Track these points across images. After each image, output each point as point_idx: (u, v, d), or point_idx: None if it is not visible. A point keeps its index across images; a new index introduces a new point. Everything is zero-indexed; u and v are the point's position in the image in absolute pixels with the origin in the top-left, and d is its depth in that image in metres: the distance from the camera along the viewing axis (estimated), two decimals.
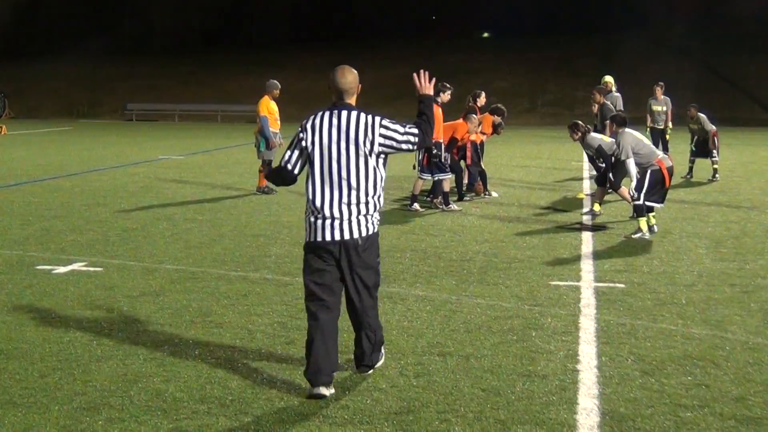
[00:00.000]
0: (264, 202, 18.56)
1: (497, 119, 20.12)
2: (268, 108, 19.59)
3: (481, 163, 19.56)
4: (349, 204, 6.95)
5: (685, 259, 12.71)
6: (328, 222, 6.96)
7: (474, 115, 18.82)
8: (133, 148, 34.43)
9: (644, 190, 14.18)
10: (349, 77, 7.18)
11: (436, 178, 17.46)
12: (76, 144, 36.92)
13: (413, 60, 68.49)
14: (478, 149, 19.32)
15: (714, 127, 23.55)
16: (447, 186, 17.59)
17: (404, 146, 7.06)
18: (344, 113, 7.03)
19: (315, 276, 7.06)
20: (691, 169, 23.49)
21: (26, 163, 27.37)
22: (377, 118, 7.03)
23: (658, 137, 25.43)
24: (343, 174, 6.93)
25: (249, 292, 10.48)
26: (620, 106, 20.25)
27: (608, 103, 19.34)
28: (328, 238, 6.97)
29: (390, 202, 18.59)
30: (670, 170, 14.40)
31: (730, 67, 60.67)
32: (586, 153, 17.67)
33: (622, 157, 14.33)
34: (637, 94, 37.99)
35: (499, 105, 20.67)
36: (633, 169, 14.24)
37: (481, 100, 19.97)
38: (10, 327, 8.98)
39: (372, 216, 7.08)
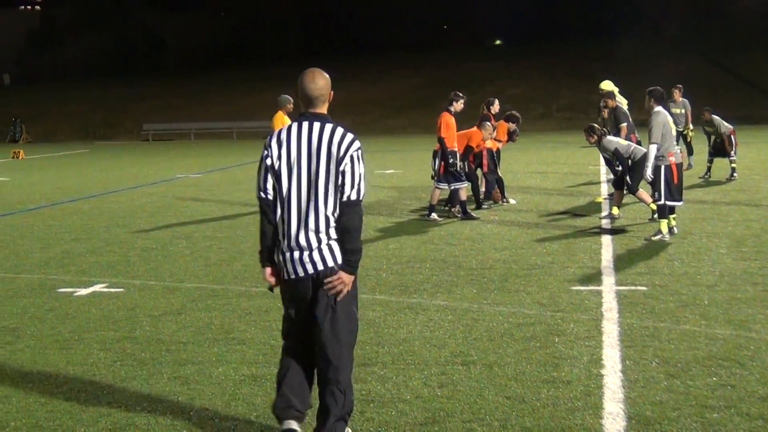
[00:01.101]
0: None
1: (512, 126, 20.11)
2: (283, 123, 19.59)
3: (498, 170, 19.54)
4: (317, 231, 5.99)
5: (706, 259, 12.65)
6: (296, 254, 6.03)
7: (488, 123, 18.81)
8: (150, 168, 34.53)
9: (663, 190, 14.12)
10: (320, 82, 6.13)
11: (453, 188, 17.45)
12: (94, 166, 37.06)
13: (426, 70, 68.80)
14: (495, 157, 19.31)
15: (731, 127, 23.47)
16: (464, 194, 17.58)
17: (347, 189, 5.96)
18: (316, 125, 6.05)
19: (292, 311, 6.22)
20: (709, 168, 23.41)
21: (45, 187, 27.49)
22: (357, 142, 6.06)
23: (678, 139, 25.28)
24: (312, 195, 5.97)
25: (270, 307, 10.47)
26: (625, 108, 20.14)
27: (621, 107, 19.27)
28: (300, 272, 6.04)
29: (408, 213, 18.60)
30: (679, 166, 14.37)
31: (745, 66, 60.48)
32: (603, 156, 17.63)
33: (651, 139, 14.17)
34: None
35: (514, 112, 20.66)
36: (653, 155, 14.14)
37: (495, 108, 19.99)
38: (34, 351, 9.01)
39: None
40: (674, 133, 14.59)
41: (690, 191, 20.37)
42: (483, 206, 18.78)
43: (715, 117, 23.41)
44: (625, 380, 7.52)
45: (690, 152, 25.62)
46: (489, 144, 18.86)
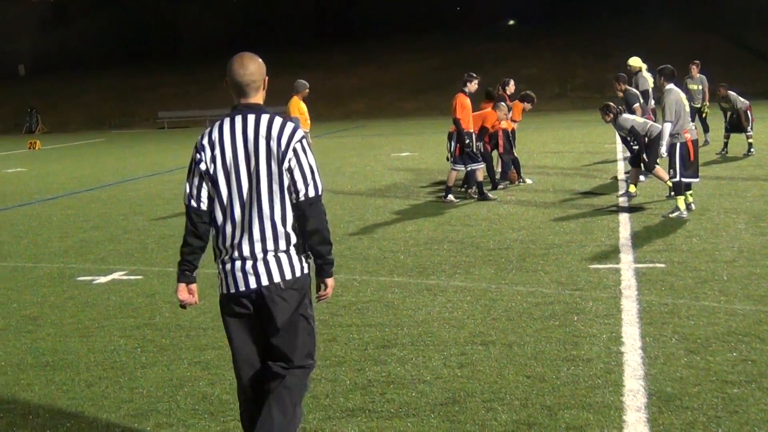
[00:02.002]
0: None
1: (527, 106, 20.07)
2: (299, 108, 19.60)
3: (514, 150, 19.50)
4: (263, 239, 5.26)
5: (725, 235, 12.61)
6: (238, 264, 5.30)
7: (503, 103, 18.78)
8: (166, 156, 34.61)
9: (678, 167, 14.10)
10: (251, 67, 5.35)
11: (469, 169, 17.43)
12: (110, 155, 37.16)
13: (440, 52, 68.61)
14: (510, 137, 19.27)
15: (747, 102, 23.36)
16: (480, 175, 17.56)
17: (300, 186, 5.28)
18: (250, 118, 5.30)
19: (236, 335, 5.48)
20: (726, 144, 23.31)
21: (62, 177, 27.58)
22: (299, 131, 5.35)
23: (694, 116, 25.22)
24: (254, 199, 5.24)
25: None
26: (646, 86, 20.03)
27: (631, 89, 19.15)
28: (242, 287, 5.31)
29: (425, 195, 18.60)
30: (695, 143, 14.34)
31: (761, 41, 60.10)
32: (619, 134, 17.57)
33: (666, 117, 14.17)
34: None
35: (529, 92, 20.61)
36: (668, 132, 14.12)
37: (510, 88, 19.95)
38: (55, 339, 9.06)
39: (295, 252, 5.36)
40: (688, 109, 14.53)
41: (707, 167, 20.30)
42: (499, 187, 18.76)
43: (731, 92, 23.29)
44: (645, 357, 7.51)
45: (706, 129, 25.52)
46: (504, 124, 18.83)
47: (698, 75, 25.17)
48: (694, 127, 14.53)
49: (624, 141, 17.65)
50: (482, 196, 17.31)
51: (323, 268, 5.47)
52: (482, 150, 17.91)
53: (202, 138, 5.38)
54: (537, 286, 10.23)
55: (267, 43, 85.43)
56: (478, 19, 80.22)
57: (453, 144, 17.38)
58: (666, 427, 6.02)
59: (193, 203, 5.39)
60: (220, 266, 5.42)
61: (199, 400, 7.02)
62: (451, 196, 17.33)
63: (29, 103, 64.20)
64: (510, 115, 19.21)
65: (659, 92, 14.83)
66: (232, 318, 5.45)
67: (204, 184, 5.35)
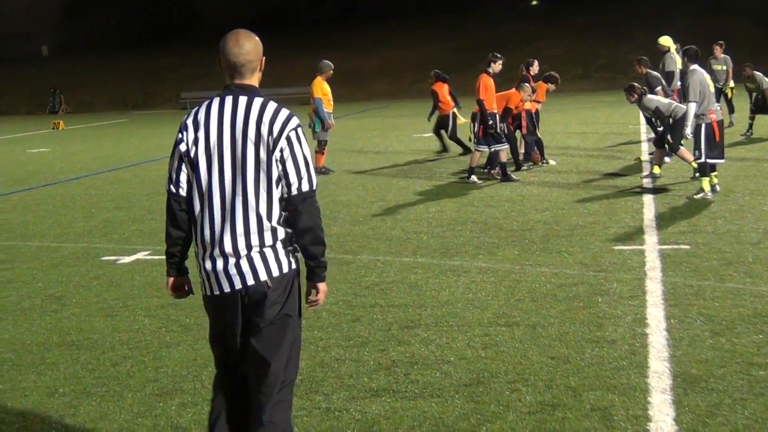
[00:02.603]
0: (321, 182, 18.57)
1: (551, 87, 19.99)
2: (322, 89, 19.59)
3: (537, 131, 19.43)
4: (247, 233, 4.78)
5: (750, 216, 12.54)
6: (220, 263, 4.83)
7: (527, 84, 18.71)
8: None
9: (703, 148, 14.03)
10: (247, 45, 4.93)
11: (493, 150, 17.38)
12: (133, 135, 37.25)
13: (462, 33, 68.40)
14: (534, 118, 19.20)
15: None
16: (504, 156, 17.51)
17: (293, 179, 4.78)
18: (242, 100, 4.88)
19: (218, 340, 5.08)
20: (751, 125, 23.16)
21: (85, 157, 27.68)
22: (294, 119, 4.88)
23: (719, 96, 25.06)
24: (239, 189, 4.77)
25: None
26: (674, 67, 19.91)
27: (653, 72, 19.01)
28: (226, 287, 4.84)
29: (448, 176, 18.57)
30: (720, 124, 14.27)
31: None
32: (644, 115, 17.49)
33: (690, 97, 14.12)
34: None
35: (553, 72, 20.51)
36: (692, 113, 14.07)
37: (534, 69, 19.87)
38: (80, 318, 9.10)
39: (281, 247, 4.87)
40: (713, 90, 14.45)
41: (732, 149, 20.17)
42: (523, 168, 18.70)
43: (757, 73, 23.12)
44: (670, 339, 7.49)
45: (731, 110, 25.35)
46: (528, 105, 18.76)
47: (722, 55, 25.00)
48: (719, 108, 14.45)
49: (648, 122, 17.56)
50: (505, 177, 17.26)
51: (315, 271, 4.97)
52: (506, 131, 17.86)
53: (187, 117, 4.98)
54: (561, 267, 10.20)
55: (290, 23, 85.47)
56: None
57: (476, 125, 17.34)
58: (691, 409, 6.00)
59: (173, 188, 4.96)
60: (201, 264, 4.93)
61: None
62: (474, 177, 17.29)
63: (52, 83, 64.43)
64: (534, 95, 19.13)
65: (684, 73, 14.77)
66: (216, 319, 5.04)
67: (183, 168, 4.92)
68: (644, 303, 8.60)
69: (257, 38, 5.02)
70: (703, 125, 14.06)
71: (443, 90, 22.27)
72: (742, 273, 9.51)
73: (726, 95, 25.10)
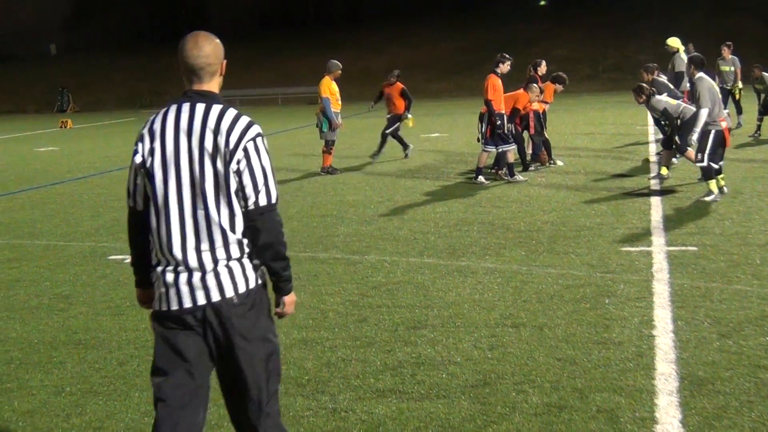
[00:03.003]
0: (329, 182, 18.61)
1: (559, 87, 19.96)
2: (330, 89, 19.59)
3: (545, 132, 19.41)
4: (212, 248, 4.49)
5: (757, 218, 12.52)
6: (183, 276, 4.51)
7: (535, 85, 18.69)
8: None
9: (707, 152, 14.00)
10: (206, 48, 4.61)
11: (500, 150, 17.37)
12: None
13: (471, 32, 68.37)
14: (541, 118, 19.18)
15: None
16: (511, 157, 17.50)
17: (250, 193, 4.47)
18: (199, 108, 4.55)
19: (168, 368, 4.59)
20: (759, 127, 23.12)
21: (93, 156, 27.72)
22: (254, 127, 4.54)
23: (726, 97, 25.05)
24: (199, 202, 4.49)
25: (319, 272, 10.52)
26: (682, 67, 19.87)
27: (660, 79, 18.99)
28: (187, 303, 4.51)
29: (455, 176, 18.56)
30: (730, 130, 14.29)
31: None
32: (652, 116, 17.47)
33: (701, 104, 14.09)
34: (702, 54, 37.35)
35: (560, 73, 20.49)
36: (703, 120, 14.03)
37: (542, 69, 19.84)
38: (87, 317, 9.12)
39: (249, 261, 4.59)
40: (720, 97, 14.44)
41: (740, 150, 20.17)
42: (530, 168, 18.69)
43: (766, 74, 23.08)
44: (677, 341, 7.48)
45: (739, 111, 25.32)
46: (536, 106, 18.74)
47: (730, 56, 24.97)
48: (728, 114, 14.43)
49: (657, 123, 17.53)
50: (513, 178, 17.25)
51: (279, 285, 4.73)
52: (513, 131, 17.85)
53: (143, 127, 4.70)
54: (568, 268, 10.19)
55: (298, 22, 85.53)
56: None
57: (484, 125, 17.33)
58: (698, 411, 6.00)
59: (130, 201, 4.76)
60: (159, 277, 4.59)
61: None
62: (481, 178, 17.28)
63: (61, 82, 64.55)
64: (541, 96, 19.11)
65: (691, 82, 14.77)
66: (168, 340, 4.60)
67: (140, 181, 4.67)
68: (651, 305, 8.59)
69: (218, 41, 4.72)
70: (713, 131, 14.03)
71: (398, 91, 22.06)
72: (749, 275, 9.50)
73: (734, 96, 25.06)
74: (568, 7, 73.91)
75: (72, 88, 63.88)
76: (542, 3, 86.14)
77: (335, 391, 6.67)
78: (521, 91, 18.42)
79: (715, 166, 14.16)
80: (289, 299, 4.80)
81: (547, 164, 19.25)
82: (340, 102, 19.92)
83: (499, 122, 17.02)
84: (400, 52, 66.87)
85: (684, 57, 20.02)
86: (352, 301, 9.18)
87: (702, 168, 14.25)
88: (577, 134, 26.34)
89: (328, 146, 19.77)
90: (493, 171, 17.98)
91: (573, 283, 9.52)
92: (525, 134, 19.12)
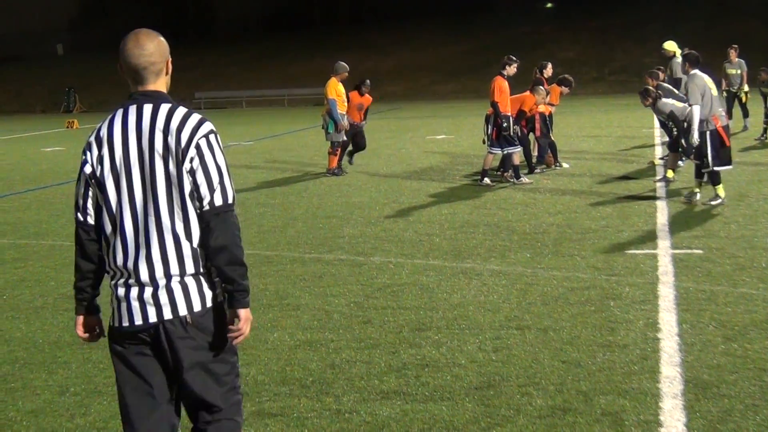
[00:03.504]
0: (334, 183, 18.61)
1: (565, 90, 19.95)
2: (336, 90, 19.59)
3: (551, 134, 19.40)
4: (164, 260, 4.23)
5: (763, 222, 12.50)
6: (134, 292, 4.26)
7: (541, 87, 18.68)
8: None
9: (711, 157, 13.87)
10: (149, 46, 4.33)
11: (506, 152, 17.36)
12: None
13: (477, 34, 68.39)
14: (547, 121, 19.17)
15: None
16: (517, 159, 17.50)
17: (205, 192, 4.22)
18: (146, 109, 4.31)
19: (129, 391, 4.39)
20: (765, 130, 23.06)
21: None
22: (206, 124, 4.34)
23: (733, 100, 25.04)
24: (150, 209, 4.23)
25: (324, 273, 10.52)
26: (680, 73, 19.85)
27: (665, 84, 18.98)
28: (138, 320, 4.27)
29: (461, 178, 18.56)
30: (726, 129, 14.15)
31: None
32: (658, 119, 17.45)
33: (690, 101, 14.03)
34: (707, 58, 37.31)
35: (567, 75, 20.48)
36: (697, 117, 13.91)
37: (548, 72, 19.83)
38: None
39: (205, 277, 4.32)
40: (715, 94, 14.31)
41: (746, 153, 20.15)
42: (536, 171, 18.68)
43: None
44: (682, 344, 7.46)
45: (745, 114, 25.29)
46: (542, 108, 18.73)
47: (737, 59, 24.94)
48: (723, 113, 14.32)
49: (663, 125, 17.50)
50: (518, 180, 17.25)
51: (234, 296, 4.31)
52: (519, 134, 17.84)
53: (90, 134, 4.44)
54: (573, 270, 10.18)
55: (304, 23, 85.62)
56: (515, 1, 79.84)
57: (490, 127, 17.33)
58: (703, 415, 5.98)
59: (79, 216, 4.43)
60: (113, 291, 4.36)
61: None
62: (487, 180, 17.28)
63: (67, 82, 64.63)
64: (547, 98, 19.11)
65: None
66: (124, 359, 4.39)
67: (90, 191, 4.38)
68: (656, 308, 8.58)
69: (161, 38, 4.40)
70: (708, 133, 13.90)
71: (368, 103, 21.55)
72: (755, 278, 9.48)
73: (740, 99, 25.04)
74: (575, 9, 73.90)
75: (78, 88, 63.97)
76: (549, 5, 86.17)
77: (339, 393, 6.67)
78: (527, 93, 18.41)
79: (724, 168, 14.04)
80: (245, 315, 4.33)
81: (553, 167, 19.24)
82: (346, 103, 19.91)
83: (505, 124, 17.02)
84: (407, 54, 66.92)
85: (679, 60, 20.02)
86: (357, 302, 9.18)
87: (709, 173, 14.10)
88: (583, 137, 26.33)
89: (334, 148, 19.76)
90: (499, 173, 17.97)
91: (578, 285, 9.51)
92: (531, 136, 19.11)
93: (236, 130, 37.11)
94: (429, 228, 13.13)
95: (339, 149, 19.90)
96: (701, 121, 13.90)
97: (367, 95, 20.56)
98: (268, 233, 13.30)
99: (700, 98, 13.88)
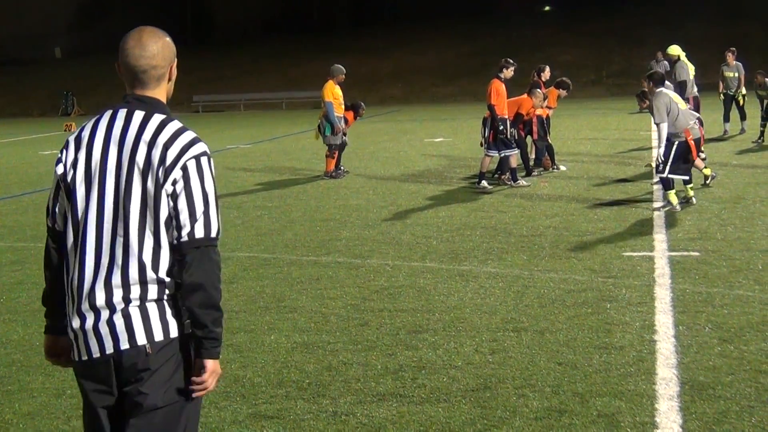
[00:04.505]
0: (332, 186, 18.62)
1: (563, 93, 19.97)
2: (333, 93, 19.61)
3: (548, 137, 19.42)
4: (125, 284, 3.72)
5: (760, 224, 12.51)
6: (90, 321, 3.75)
7: (538, 90, 18.70)
8: None
9: (669, 163, 13.84)
10: (151, 47, 3.92)
11: (503, 155, 17.38)
12: None
13: (475, 38, 68.43)
14: (545, 123, 19.19)
15: None
16: (514, 162, 17.51)
17: (184, 221, 3.73)
18: (137, 117, 3.86)
19: (93, 424, 3.88)
20: (762, 133, 23.05)
21: None
22: (199, 145, 3.86)
23: (730, 103, 25.07)
24: (119, 227, 3.74)
25: (321, 276, 10.53)
26: (686, 75, 19.90)
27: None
28: (95, 352, 3.75)
29: (458, 181, 18.57)
30: (697, 142, 14.08)
31: None
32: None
33: (656, 120, 14.06)
34: (706, 60, 37.43)
35: (564, 78, 20.50)
36: (665, 134, 13.90)
37: (546, 75, 19.85)
38: None
39: (170, 304, 3.80)
40: (684, 107, 14.26)
41: (743, 156, 20.19)
42: (533, 173, 18.69)
43: None
44: (678, 346, 7.48)
45: (742, 117, 25.31)
46: (539, 111, 18.75)
47: (734, 62, 24.96)
48: (696, 125, 14.24)
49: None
50: (515, 183, 17.26)
51: (203, 343, 3.79)
52: (516, 136, 17.86)
53: (71, 133, 3.99)
54: (570, 273, 10.19)
55: (303, 26, 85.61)
56: (514, 4, 79.91)
57: (487, 130, 17.35)
58: (698, 416, 5.99)
59: (49, 222, 3.99)
60: (69, 320, 3.84)
61: (231, 382, 7.04)
62: (484, 182, 17.28)
63: (65, 85, 64.61)
64: (545, 101, 19.13)
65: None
66: (88, 399, 3.87)
67: (59, 196, 3.93)
68: (653, 310, 8.59)
69: (168, 38, 4.02)
70: (677, 142, 13.86)
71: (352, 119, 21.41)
72: (751, 280, 9.49)
73: (738, 102, 25.06)
74: (573, 13, 73.93)
75: (77, 91, 63.94)
76: (547, 8, 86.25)
77: (336, 395, 6.68)
78: (525, 96, 18.44)
79: (677, 177, 13.98)
80: (213, 367, 3.84)
81: (551, 169, 19.25)
82: (343, 106, 19.93)
83: (502, 127, 17.03)
84: (405, 57, 66.92)
85: (686, 64, 20.04)
86: (354, 304, 9.19)
87: (661, 179, 14.10)
88: (581, 139, 26.34)
89: (331, 150, 19.77)
90: (496, 176, 17.99)
91: (575, 287, 9.52)
92: (528, 139, 19.13)
93: (234, 133, 37.15)
94: (426, 230, 13.14)
95: (336, 152, 19.91)
96: (673, 134, 13.88)
97: (351, 113, 20.69)
98: (265, 236, 13.30)
99: (666, 115, 13.86)
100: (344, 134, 19.96)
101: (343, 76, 19.89)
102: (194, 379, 3.83)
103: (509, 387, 6.67)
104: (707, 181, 15.58)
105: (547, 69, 20.11)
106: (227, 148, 29.64)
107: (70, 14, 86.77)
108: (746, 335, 7.66)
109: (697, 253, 10.86)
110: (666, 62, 32.82)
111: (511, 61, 17.68)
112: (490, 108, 17.08)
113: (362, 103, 21.35)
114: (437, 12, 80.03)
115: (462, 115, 41.20)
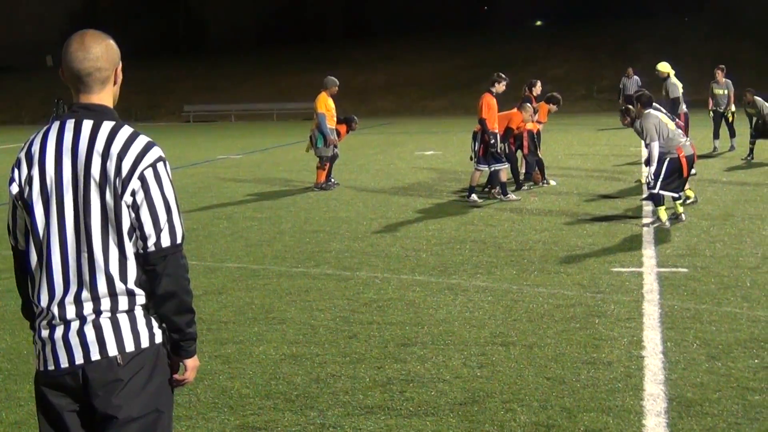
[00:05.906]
0: (322, 198, 18.62)
1: (553, 108, 20.02)
2: (326, 105, 19.64)
3: (539, 151, 19.46)
4: (94, 297, 3.69)
5: (749, 241, 12.55)
6: (59, 331, 3.71)
7: (528, 104, 18.74)
8: (191, 149, 34.70)
9: (660, 179, 13.87)
10: (95, 49, 3.79)
11: (493, 169, 17.40)
12: None
13: (467, 51, 68.56)
14: (535, 138, 19.23)
15: None
16: (504, 176, 17.54)
17: (148, 230, 3.70)
18: (86, 126, 3.75)
19: (55, 425, 3.80)
20: (751, 150, 23.14)
21: None
22: (154, 150, 3.80)
23: (720, 120, 25.16)
24: (82, 240, 3.69)
25: (310, 287, 10.53)
26: (676, 93, 19.97)
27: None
28: (63, 362, 3.70)
29: (448, 194, 18.59)
30: (689, 159, 14.07)
31: None
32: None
33: (647, 141, 14.09)
34: (697, 77, 37.57)
35: (555, 93, 20.55)
36: (656, 153, 13.93)
37: (537, 89, 19.90)
38: None
39: (141, 314, 3.78)
40: (672, 128, 14.28)
41: (732, 173, 20.25)
42: (523, 188, 18.73)
43: (758, 98, 23.12)
44: (666, 362, 7.49)
45: (732, 134, 25.39)
46: (529, 125, 18.79)
47: (724, 79, 25.06)
48: (688, 143, 14.27)
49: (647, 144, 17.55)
50: (505, 197, 17.28)
51: (181, 345, 3.91)
52: (506, 151, 17.89)
53: (21, 149, 3.87)
54: (559, 288, 10.21)
55: (295, 38, 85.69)
56: (505, 19, 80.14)
57: (477, 144, 17.37)
58: None
59: (12, 240, 3.95)
60: (36, 331, 3.81)
61: (219, 393, 7.04)
62: (474, 196, 17.30)
63: (57, 93, 64.54)
64: (536, 116, 19.17)
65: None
66: (48, 409, 3.79)
67: (19, 214, 3.86)
68: (641, 325, 8.61)
69: (111, 41, 3.89)
70: (668, 158, 13.87)
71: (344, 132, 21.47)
72: (739, 297, 9.52)
73: (727, 119, 25.16)
74: (565, 27, 74.16)
75: (68, 99, 63.64)
76: (538, 23, 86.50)
77: (324, 407, 6.67)
78: (515, 110, 18.48)
79: (667, 194, 14.00)
80: (192, 363, 3.99)
81: (540, 184, 19.29)
82: (335, 118, 19.96)
83: (492, 141, 17.06)
84: (398, 70, 66.99)
85: (676, 81, 20.12)
86: (343, 317, 9.19)
87: (651, 194, 14.13)
88: (571, 154, 26.39)
89: (323, 162, 19.78)
90: (486, 190, 18.01)
91: (563, 302, 9.54)
92: (519, 153, 19.17)
93: (225, 144, 37.13)
94: (416, 243, 13.15)
95: (327, 164, 19.92)
96: (665, 153, 13.90)
97: (344, 126, 20.78)
98: (255, 247, 13.30)
99: (657, 135, 13.88)
100: (335, 146, 20.00)
101: (337, 88, 19.92)
102: (176, 377, 3.94)
103: (497, 401, 6.67)
104: (686, 201, 15.59)
105: (538, 83, 20.17)
106: (218, 159, 29.64)
107: (62, 23, 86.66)
108: (734, 352, 7.68)
109: (685, 270, 10.89)
110: (637, 78, 33.02)
111: (503, 75, 17.71)
112: (481, 122, 17.11)
113: (355, 117, 21.48)
114: (429, 25, 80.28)
115: (453, 128, 41.23)
